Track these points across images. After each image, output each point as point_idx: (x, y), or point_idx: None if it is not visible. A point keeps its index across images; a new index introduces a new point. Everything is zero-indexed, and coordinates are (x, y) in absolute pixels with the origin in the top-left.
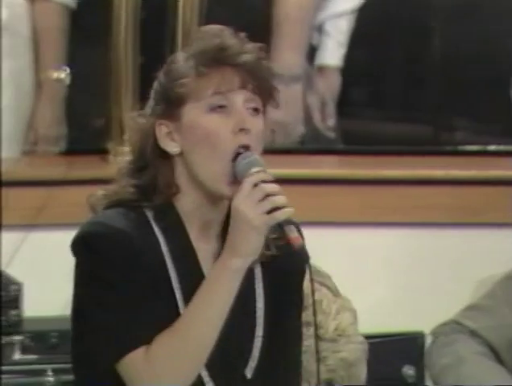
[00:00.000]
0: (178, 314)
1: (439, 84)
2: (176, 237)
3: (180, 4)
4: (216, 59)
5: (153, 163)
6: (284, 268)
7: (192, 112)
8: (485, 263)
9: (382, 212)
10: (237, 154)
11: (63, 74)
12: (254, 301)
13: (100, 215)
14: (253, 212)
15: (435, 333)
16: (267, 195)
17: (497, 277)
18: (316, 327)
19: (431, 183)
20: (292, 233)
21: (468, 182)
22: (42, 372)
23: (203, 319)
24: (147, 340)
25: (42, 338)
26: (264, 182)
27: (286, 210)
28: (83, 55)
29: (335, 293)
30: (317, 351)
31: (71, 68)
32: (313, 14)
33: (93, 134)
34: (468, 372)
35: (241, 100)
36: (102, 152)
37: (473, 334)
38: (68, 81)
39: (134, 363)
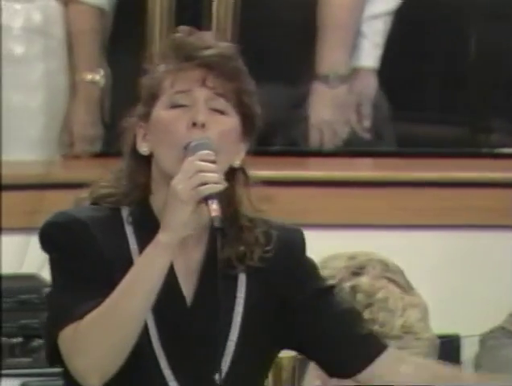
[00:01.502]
0: None
1: (477, 86)
2: (149, 235)
3: (214, 5)
4: (179, 55)
5: (131, 165)
6: (272, 280)
7: (156, 109)
8: None
9: (419, 215)
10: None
11: (97, 76)
12: (233, 305)
13: (73, 208)
14: (180, 186)
15: (484, 338)
16: (198, 172)
17: None
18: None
19: (468, 185)
20: (210, 206)
21: (504, 185)
22: None
23: (129, 293)
24: (82, 317)
25: None
26: (203, 160)
27: (210, 185)
28: (118, 57)
29: (405, 289)
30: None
31: (106, 70)
32: (359, 14)
33: None
34: None
35: (201, 97)
36: None
37: None
38: (102, 83)
39: (65, 337)
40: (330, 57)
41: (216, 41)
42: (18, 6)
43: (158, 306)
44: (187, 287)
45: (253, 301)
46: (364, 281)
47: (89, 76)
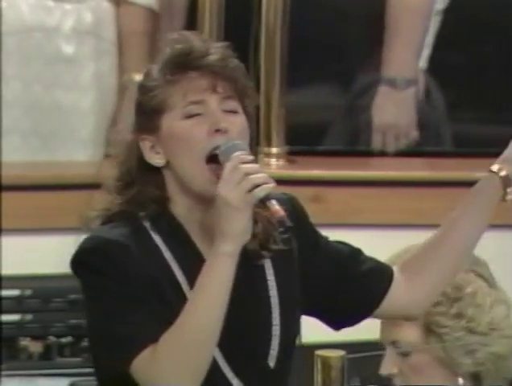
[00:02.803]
0: None
1: None
2: (178, 242)
3: (264, 4)
4: (181, 65)
5: (141, 178)
6: (291, 254)
7: (169, 121)
8: None
9: None
10: (214, 155)
11: None
12: (267, 291)
13: (95, 229)
14: (232, 194)
15: None
16: (246, 175)
17: None
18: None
19: None
20: (273, 207)
21: None
22: None
23: (201, 308)
24: (154, 341)
25: None
26: (244, 163)
27: (264, 186)
28: None
29: (490, 284)
30: None
31: None
32: (429, 15)
33: None
34: None
35: (214, 102)
36: None
37: None
38: None
39: (142, 364)
40: (398, 60)
41: (208, 41)
42: (68, 7)
43: None
44: None
45: (283, 281)
46: None
47: (137, 77)
